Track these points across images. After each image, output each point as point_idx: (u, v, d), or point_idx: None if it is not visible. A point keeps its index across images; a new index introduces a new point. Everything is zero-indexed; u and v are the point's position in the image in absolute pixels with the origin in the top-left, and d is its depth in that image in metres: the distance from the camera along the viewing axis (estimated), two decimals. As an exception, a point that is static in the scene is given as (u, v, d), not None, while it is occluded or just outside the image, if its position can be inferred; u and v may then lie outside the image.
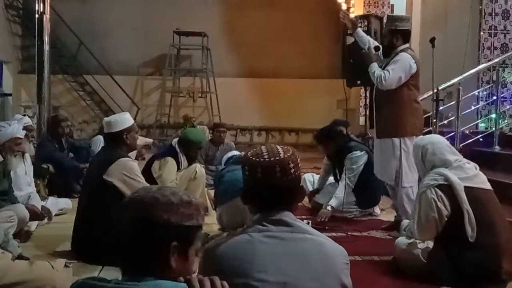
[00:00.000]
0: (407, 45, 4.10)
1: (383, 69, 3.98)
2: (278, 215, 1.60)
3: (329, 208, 4.55)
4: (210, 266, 1.56)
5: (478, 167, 3.04)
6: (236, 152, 4.20)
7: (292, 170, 1.61)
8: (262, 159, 1.61)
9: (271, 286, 1.49)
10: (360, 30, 4.42)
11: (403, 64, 3.94)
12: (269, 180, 1.59)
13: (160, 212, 1.22)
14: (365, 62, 4.12)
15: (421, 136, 3.44)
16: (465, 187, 2.86)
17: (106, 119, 3.57)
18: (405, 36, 4.10)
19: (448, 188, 2.88)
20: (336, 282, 1.56)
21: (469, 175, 2.95)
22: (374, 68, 4.01)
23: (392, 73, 3.90)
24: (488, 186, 3.00)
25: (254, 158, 1.63)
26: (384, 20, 7.42)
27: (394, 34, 4.07)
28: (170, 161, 4.61)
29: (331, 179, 5.29)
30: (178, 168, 4.69)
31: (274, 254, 1.53)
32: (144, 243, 1.21)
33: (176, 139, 4.88)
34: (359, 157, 4.74)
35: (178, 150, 4.71)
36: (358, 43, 4.39)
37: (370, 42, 4.28)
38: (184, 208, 1.25)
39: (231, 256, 1.55)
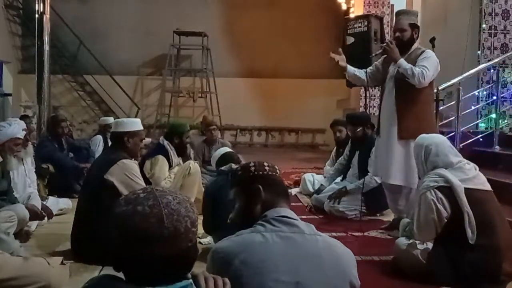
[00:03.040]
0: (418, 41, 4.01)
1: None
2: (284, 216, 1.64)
3: (343, 189, 4.75)
4: (220, 265, 1.56)
5: (477, 168, 3.03)
6: (227, 149, 4.04)
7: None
8: None
9: (285, 285, 1.50)
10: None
11: (434, 62, 3.82)
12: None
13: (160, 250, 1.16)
14: (391, 56, 3.90)
15: (422, 135, 3.33)
16: (465, 188, 2.85)
17: (112, 118, 3.61)
18: (419, 32, 3.99)
19: (448, 190, 2.87)
20: (346, 283, 1.58)
21: (469, 176, 2.93)
22: (407, 64, 3.80)
23: (430, 70, 3.75)
24: (488, 187, 2.98)
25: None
26: (387, 20, 7.38)
27: (413, 29, 3.92)
28: (161, 159, 4.60)
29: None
30: (170, 165, 4.68)
31: (287, 254, 1.54)
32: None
33: (162, 136, 4.88)
34: None
35: (167, 147, 4.71)
36: (357, 44, 4.25)
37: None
38: (179, 238, 1.17)
39: (243, 254, 1.54)
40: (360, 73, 4.17)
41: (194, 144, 6.39)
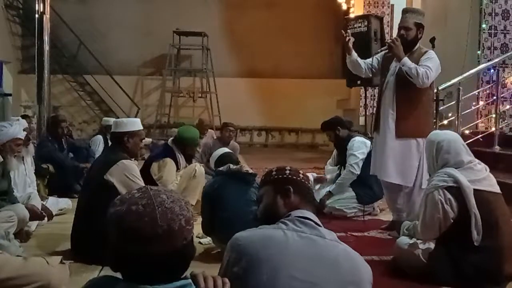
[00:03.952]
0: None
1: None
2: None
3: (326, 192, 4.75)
4: (238, 253, 1.59)
5: (488, 169, 2.99)
6: (225, 149, 4.03)
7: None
8: None
9: (299, 283, 1.53)
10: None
11: (436, 63, 3.83)
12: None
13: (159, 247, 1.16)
14: (395, 54, 3.88)
15: (436, 131, 3.31)
16: (473, 189, 2.82)
17: (114, 119, 3.61)
18: (423, 32, 3.97)
19: (457, 191, 2.84)
20: None
21: (479, 177, 2.90)
22: (411, 63, 3.78)
23: (433, 71, 3.77)
24: (497, 189, 2.95)
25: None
26: (387, 20, 7.32)
27: (418, 28, 3.91)
28: (169, 162, 4.59)
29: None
30: (178, 168, 4.68)
31: (304, 253, 1.57)
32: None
33: (171, 139, 4.86)
34: (362, 142, 4.73)
35: (175, 149, 4.70)
36: (357, 44, 4.26)
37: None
38: (172, 235, 1.17)
39: (261, 246, 1.58)
40: (362, 62, 4.19)
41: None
